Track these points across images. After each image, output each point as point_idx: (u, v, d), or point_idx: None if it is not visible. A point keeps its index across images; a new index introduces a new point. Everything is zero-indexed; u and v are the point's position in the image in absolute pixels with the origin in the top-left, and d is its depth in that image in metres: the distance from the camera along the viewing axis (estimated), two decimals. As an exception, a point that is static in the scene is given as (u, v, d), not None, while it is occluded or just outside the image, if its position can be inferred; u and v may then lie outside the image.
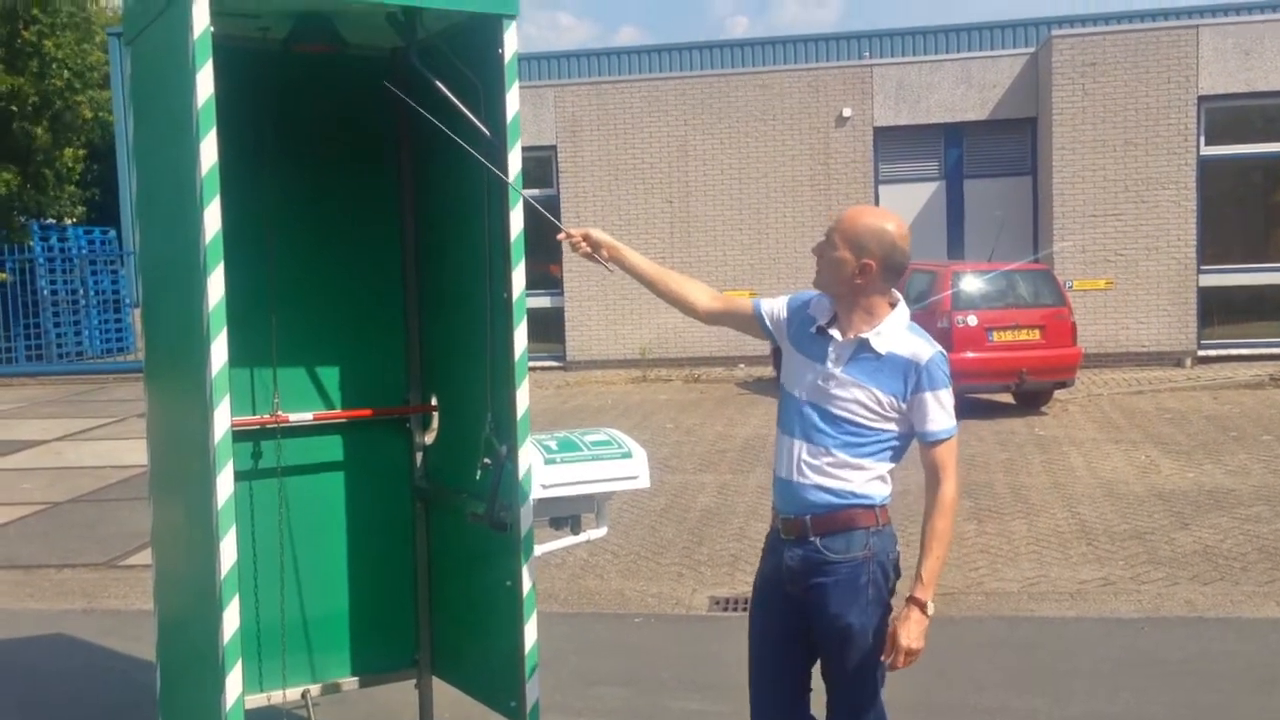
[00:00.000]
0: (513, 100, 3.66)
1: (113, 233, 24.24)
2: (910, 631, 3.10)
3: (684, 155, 18.33)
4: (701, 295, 3.60)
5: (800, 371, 3.31)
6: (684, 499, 9.26)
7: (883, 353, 3.18)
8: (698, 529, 8.36)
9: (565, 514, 4.09)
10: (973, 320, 12.58)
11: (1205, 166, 16.29)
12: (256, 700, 4.28)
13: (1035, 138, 17.64)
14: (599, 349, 18.53)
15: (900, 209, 18.01)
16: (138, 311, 21.93)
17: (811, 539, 3.22)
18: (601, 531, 4.18)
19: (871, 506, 3.22)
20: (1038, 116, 17.45)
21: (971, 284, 13.04)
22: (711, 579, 7.23)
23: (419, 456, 4.57)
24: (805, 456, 3.24)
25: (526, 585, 3.77)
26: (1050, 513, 8.44)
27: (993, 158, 18.07)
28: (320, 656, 4.46)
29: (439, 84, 3.72)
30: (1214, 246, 16.50)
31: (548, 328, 18.13)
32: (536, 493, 3.85)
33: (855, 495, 3.21)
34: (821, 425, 3.22)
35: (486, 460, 3.88)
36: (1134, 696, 5.16)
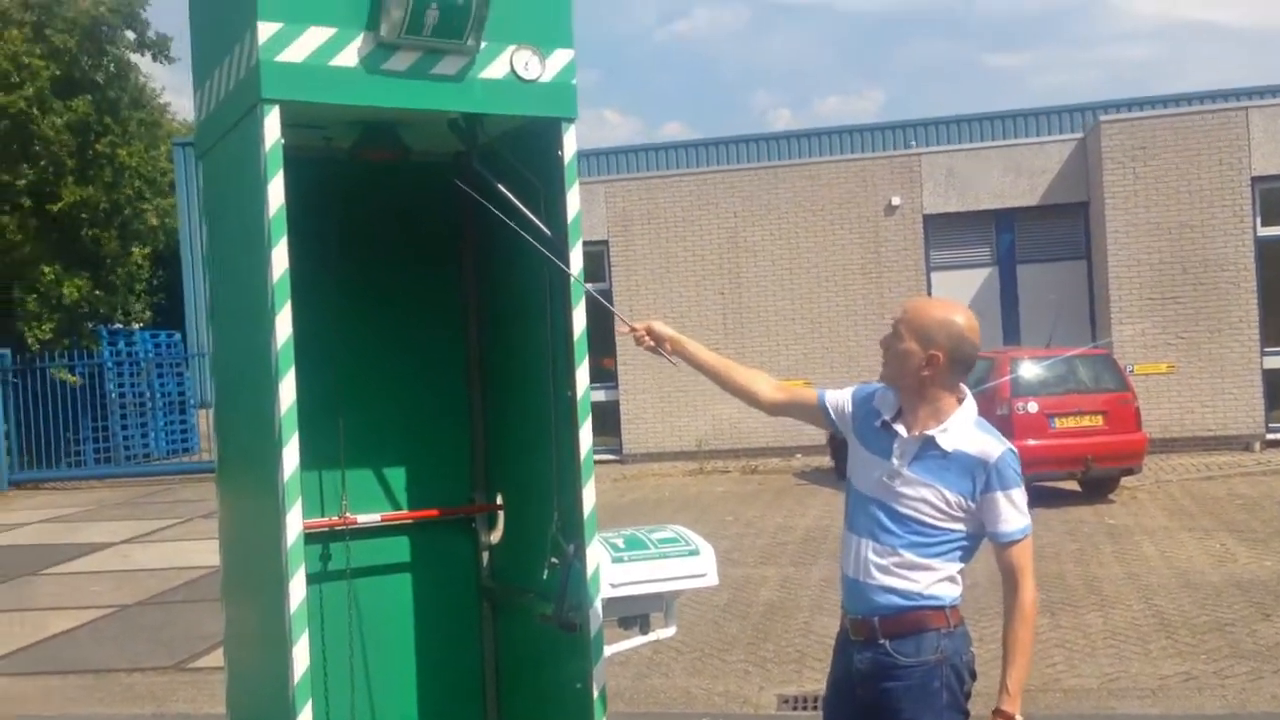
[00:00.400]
0: (573, 200, 3.72)
1: (178, 336, 24.76)
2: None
3: (734, 247, 18.47)
4: (766, 387, 3.57)
5: (866, 468, 3.25)
6: (747, 593, 9.14)
7: (950, 450, 3.11)
8: (762, 624, 8.23)
9: (634, 613, 4.04)
10: (1033, 407, 12.43)
11: (1263, 247, 16.12)
12: (325, 804, 4.24)
13: (1088, 222, 17.57)
14: (655, 441, 18.51)
15: (953, 295, 17.94)
16: (203, 412, 22.32)
17: (881, 641, 3.14)
18: (670, 631, 4.12)
19: (941, 608, 3.14)
20: (1089, 201, 17.41)
21: (1030, 370, 12.91)
22: (779, 676, 7.09)
23: (485, 556, 4.56)
24: (872, 556, 3.17)
25: (597, 687, 3.72)
26: (1126, 604, 8.22)
27: (1045, 242, 18.02)
28: (388, 760, 4.42)
29: (501, 186, 3.79)
30: (1276, 328, 16.23)
31: (603, 421, 18.16)
32: (605, 592, 3.81)
33: (924, 596, 3.13)
34: (888, 524, 3.15)
35: (554, 559, 3.87)
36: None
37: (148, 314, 25.56)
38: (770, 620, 8.33)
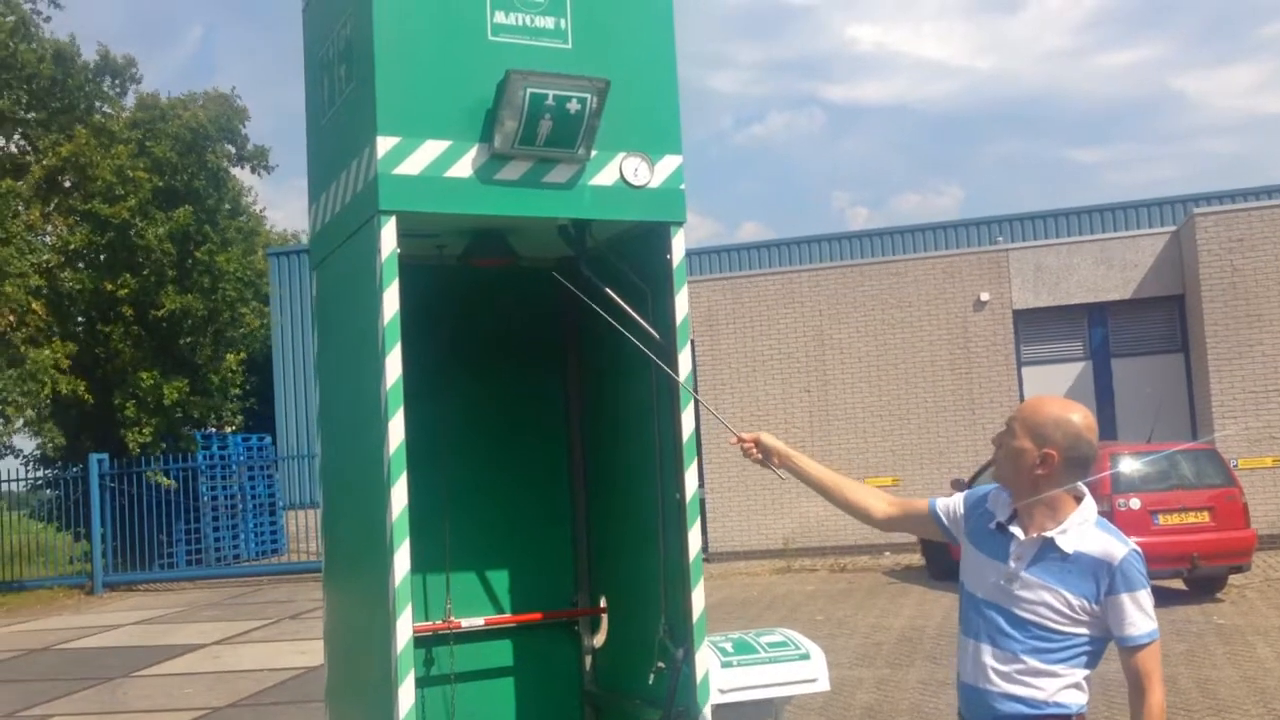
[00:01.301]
0: (682, 302, 3.75)
1: (268, 439, 25.25)
2: None
3: (820, 344, 18.41)
4: (878, 502, 3.51)
5: (981, 570, 3.16)
6: (844, 696, 8.91)
7: (1070, 552, 3.01)
8: (861, 730, 8.00)
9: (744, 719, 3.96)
10: (1136, 504, 12.08)
11: (1368, 336, 15.66)
12: None
13: (1184, 315, 17.25)
14: (741, 539, 18.31)
15: (1046, 390, 17.65)
16: (290, 514, 22.63)
17: None
18: (780, 738, 4.03)
19: (1068, 716, 3.01)
20: (1185, 294, 17.10)
21: (1131, 465, 12.56)
22: (881, 785, 6.87)
23: (588, 660, 4.51)
24: (992, 662, 3.07)
25: (707, 796, 3.64)
26: (1244, 710, 7.85)
27: (1140, 336, 17.70)
28: None
29: (609, 290, 3.84)
30: (1388, 419, 15.69)
31: (690, 521, 18.03)
32: (714, 698, 3.74)
33: (1049, 704, 3.01)
34: (1008, 629, 3.05)
35: (660, 664, 3.82)
36: None
37: (239, 418, 26.15)
38: (870, 726, 8.10)
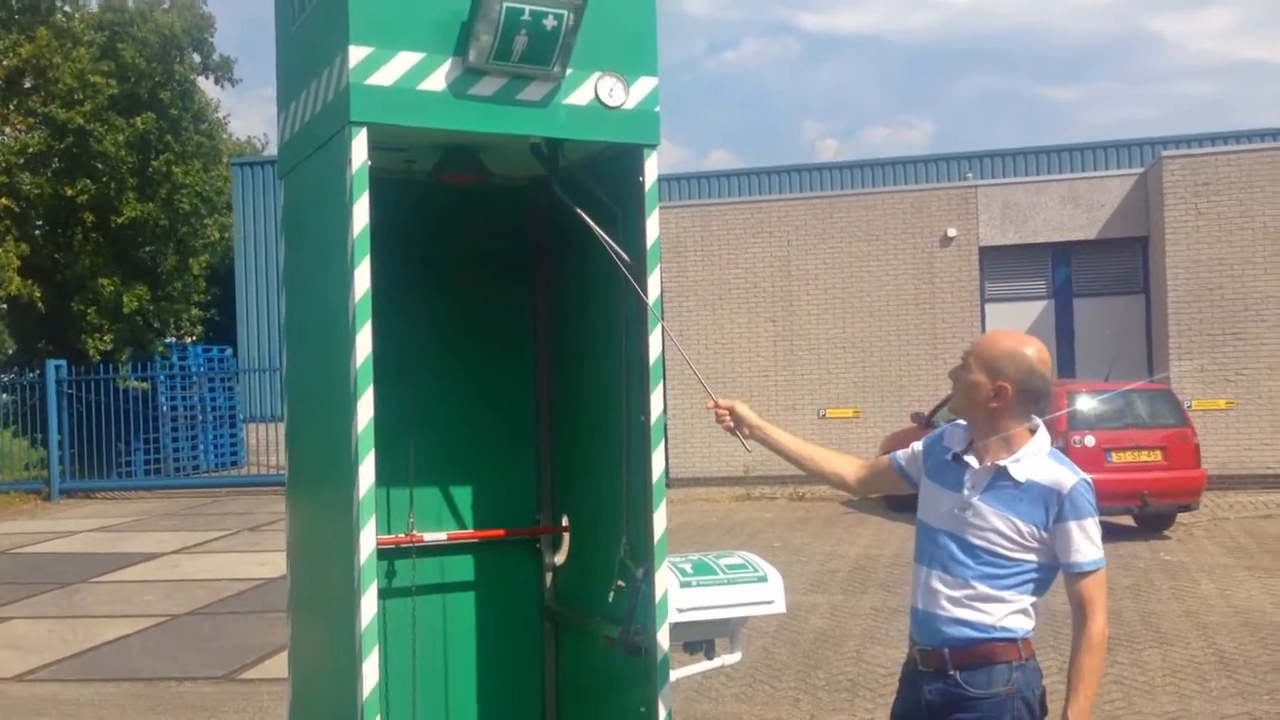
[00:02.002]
0: (653, 226, 3.74)
1: (230, 351, 25.09)
2: None
3: (787, 275, 18.45)
4: (849, 468, 3.62)
5: (936, 501, 3.25)
6: (797, 621, 9.08)
7: (1021, 480, 3.10)
8: (813, 652, 8.18)
9: (700, 638, 4.03)
10: (1090, 440, 12.29)
11: (1326, 284, 15.89)
12: (385, 820, 4.25)
13: (1147, 257, 17.41)
14: (702, 466, 18.48)
15: (1008, 327, 17.83)
16: (251, 427, 22.58)
17: (951, 672, 3.12)
18: (736, 657, 4.11)
19: (1014, 640, 3.11)
20: (1149, 236, 17.24)
21: (1088, 404, 12.77)
22: (829, 704, 7.04)
23: (549, 578, 4.57)
24: (942, 588, 3.16)
25: (662, 712, 3.71)
26: (1185, 642, 8.09)
27: (1102, 277, 17.87)
28: (448, 777, 4.43)
29: (581, 212, 3.82)
30: (1339, 365, 15.99)
31: (651, 445, 18.15)
32: (672, 616, 3.81)
33: (996, 629, 3.11)
34: (960, 555, 3.14)
35: (621, 583, 3.87)
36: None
37: (199, 329, 25.95)
38: (821, 648, 8.28)
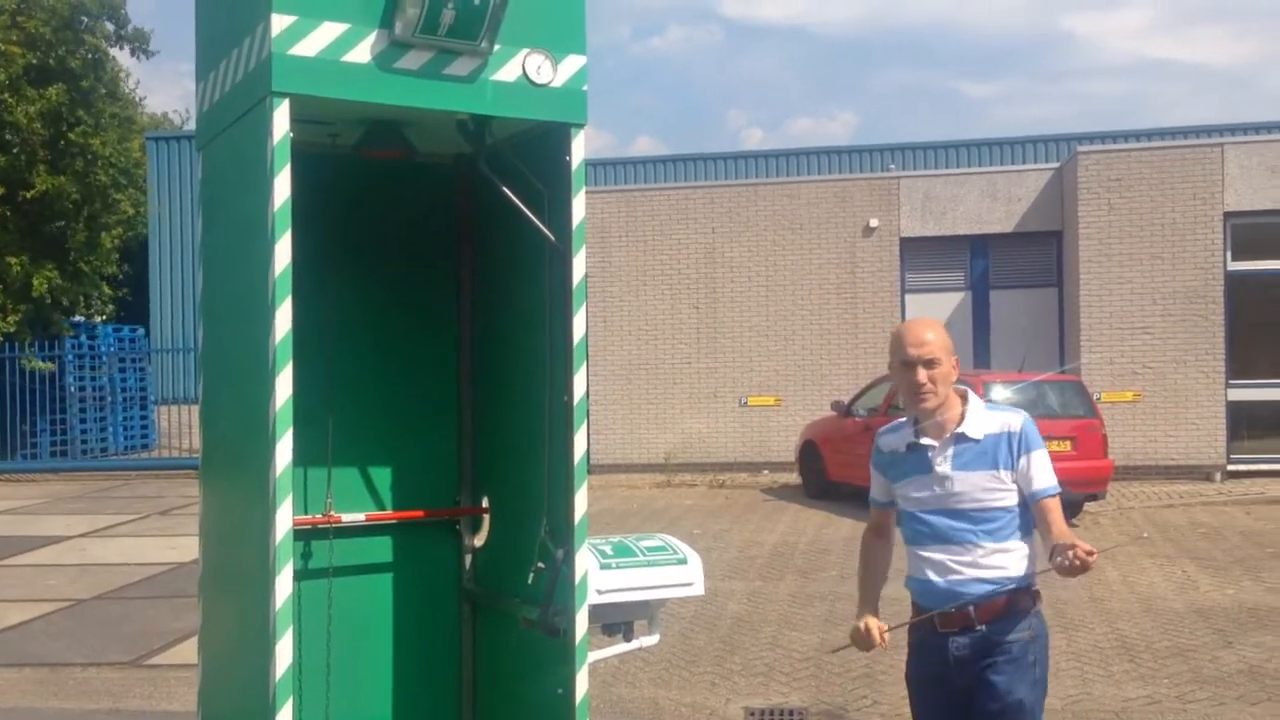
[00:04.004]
0: (579, 206, 3.72)
1: (141, 331, 24.51)
2: (1071, 559, 3.13)
3: (711, 262, 18.52)
4: (887, 548, 3.73)
5: (913, 490, 3.48)
6: (714, 606, 9.15)
7: (979, 437, 3.39)
8: (729, 637, 8.24)
9: (619, 620, 4.04)
10: (1003, 430, 12.53)
11: (1232, 281, 16.36)
12: (299, 804, 4.19)
13: (1061, 251, 17.78)
14: (623, 452, 18.51)
15: (927, 317, 18.09)
16: (163, 409, 22.09)
17: (978, 627, 3.37)
18: (654, 639, 4.13)
19: (1029, 589, 3.42)
20: (1063, 230, 17.61)
21: (1001, 394, 13.00)
22: (745, 688, 7.10)
23: (468, 559, 4.54)
24: (950, 558, 3.40)
25: (579, 693, 3.71)
26: (1089, 627, 8.30)
27: (1018, 269, 18.21)
28: (364, 760, 4.38)
29: (506, 190, 3.79)
30: (1241, 361, 16.48)
31: (572, 431, 18.10)
32: (592, 598, 3.81)
33: (1011, 579, 3.37)
34: (958, 525, 3.38)
35: (540, 564, 3.86)
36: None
37: (110, 308, 25.27)
38: (738, 633, 8.34)
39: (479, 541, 4.56)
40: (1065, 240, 17.55)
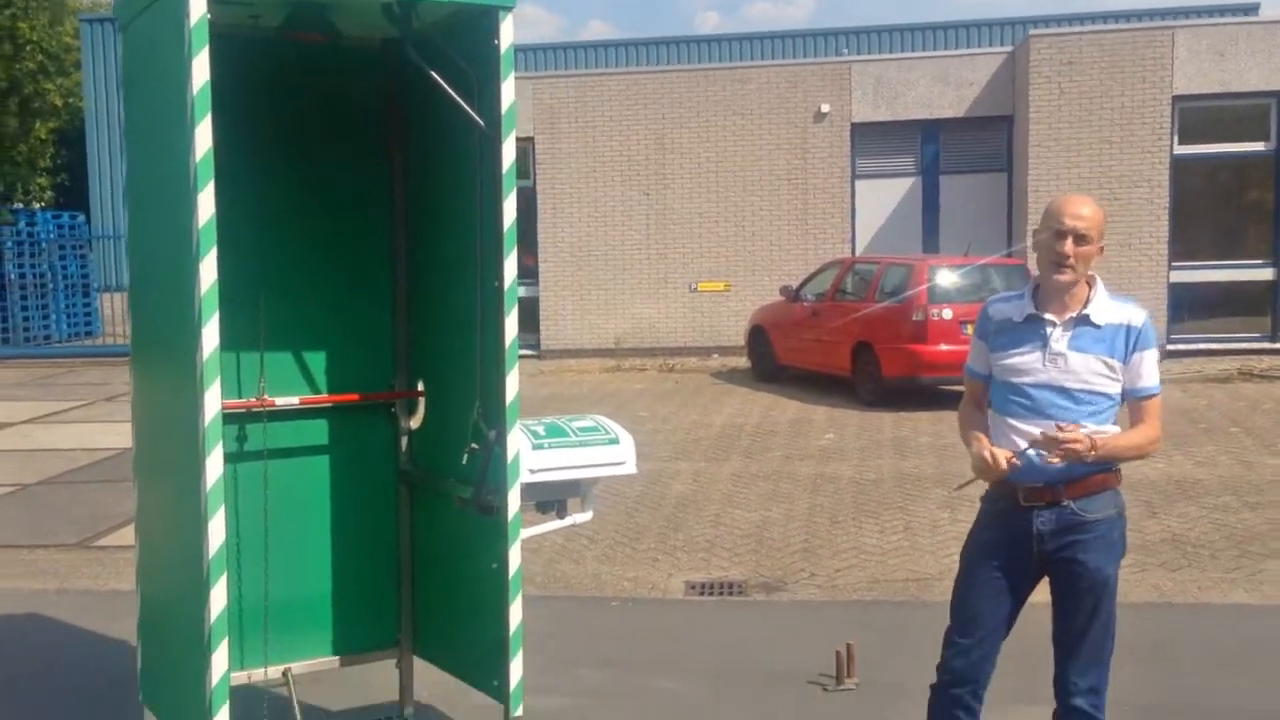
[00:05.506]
0: (508, 91, 3.70)
1: (81, 217, 24.04)
2: (1076, 437, 3.28)
3: (661, 148, 18.38)
4: (980, 413, 3.72)
5: (1021, 362, 3.50)
6: (660, 486, 9.33)
7: (1101, 324, 3.44)
8: (673, 516, 8.43)
9: (551, 498, 4.14)
10: (948, 314, 12.70)
11: (1178, 165, 16.51)
12: (238, 678, 4.30)
13: (1011, 135, 17.80)
14: (573, 338, 18.58)
15: (877, 204, 18.18)
16: (105, 296, 21.81)
17: (1065, 503, 3.44)
18: (587, 516, 4.23)
19: (1115, 469, 3.50)
20: (1014, 114, 17.61)
21: (947, 278, 13.16)
22: (687, 564, 7.30)
23: (404, 441, 4.60)
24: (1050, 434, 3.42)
25: (513, 568, 3.82)
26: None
27: (969, 154, 18.22)
28: (302, 636, 4.50)
29: (434, 75, 3.75)
30: (1184, 243, 16.72)
31: (522, 316, 17.92)
32: (524, 477, 3.89)
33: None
34: (1060, 402, 3.43)
35: (474, 445, 3.93)
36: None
37: (49, 194, 24.69)
38: (681, 512, 8.54)
39: (415, 424, 4.61)
40: (1015, 125, 17.56)
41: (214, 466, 3.37)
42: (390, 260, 4.56)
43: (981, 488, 3.61)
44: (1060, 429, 3.32)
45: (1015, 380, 3.51)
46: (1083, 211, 3.44)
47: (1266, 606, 6.34)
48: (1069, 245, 3.39)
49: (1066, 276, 3.43)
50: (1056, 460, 3.33)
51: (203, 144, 3.30)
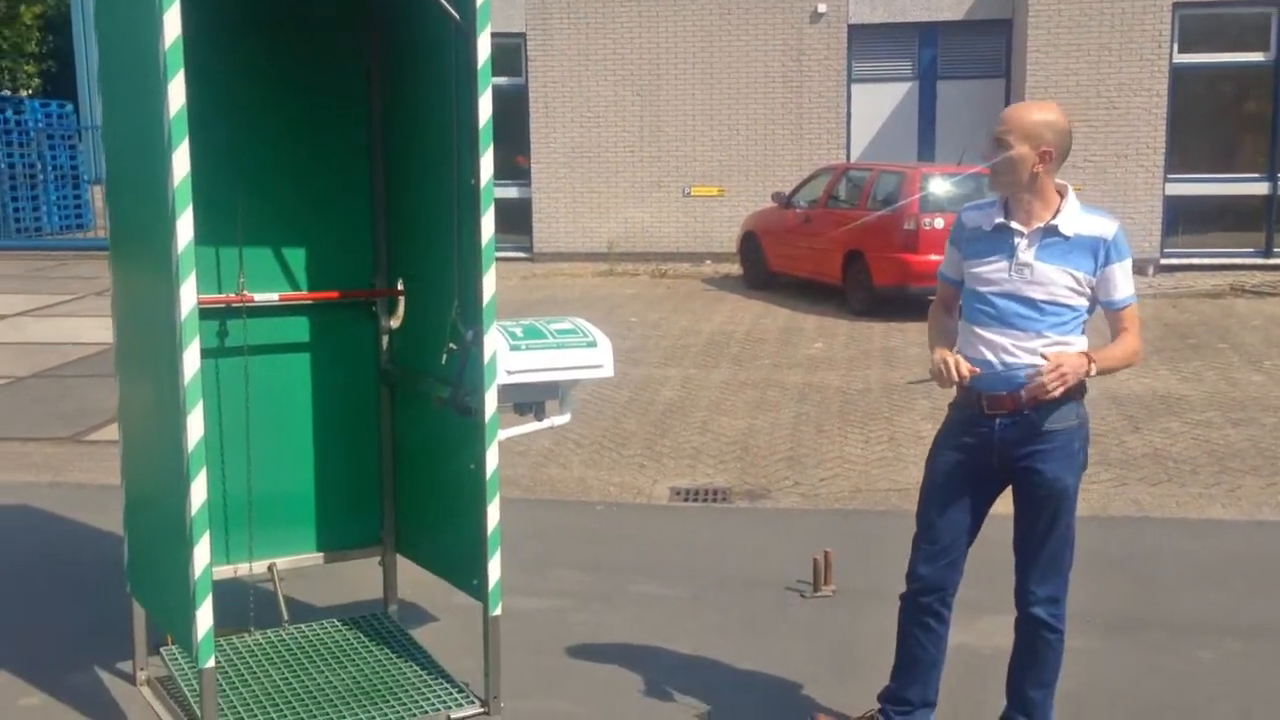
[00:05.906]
0: (483, -21, 3.61)
1: (70, 106, 23.68)
2: (1072, 363, 3.30)
3: (655, 48, 18.06)
4: (953, 318, 3.72)
5: (988, 271, 3.50)
6: (648, 392, 9.36)
7: (1070, 235, 3.41)
8: (660, 422, 8.47)
9: (530, 400, 4.14)
10: (939, 223, 12.61)
11: (1177, 74, 16.27)
12: (223, 572, 4.36)
13: (1010, 40, 17.50)
14: (565, 241, 18.46)
15: (872, 109, 17.94)
16: (97, 188, 21.58)
17: (1026, 412, 3.44)
18: (565, 418, 4.24)
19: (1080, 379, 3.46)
20: (1013, 18, 17.30)
21: (940, 186, 13.05)
22: (673, 470, 7.35)
23: (384, 340, 4.59)
24: (1011, 341, 3.45)
25: (490, 468, 3.83)
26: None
27: (967, 59, 17.92)
28: (287, 532, 4.54)
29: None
30: (1182, 155, 16.56)
31: (514, 219, 17.97)
32: (501, 378, 3.89)
33: None
34: (1025, 312, 3.43)
35: (452, 345, 3.92)
36: (1078, 591, 5.31)
37: (36, 82, 24.28)
38: (669, 418, 8.57)
39: (395, 323, 4.60)
40: (1015, 29, 17.26)
41: (191, 361, 3.35)
42: (369, 156, 4.50)
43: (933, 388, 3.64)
44: (1045, 358, 3.32)
45: (982, 289, 3.52)
46: (1005, 114, 3.45)
47: (1242, 521, 6.41)
48: (987, 149, 3.43)
49: (994, 184, 3.47)
50: (1059, 393, 3.32)
51: (171, 30, 3.22)
